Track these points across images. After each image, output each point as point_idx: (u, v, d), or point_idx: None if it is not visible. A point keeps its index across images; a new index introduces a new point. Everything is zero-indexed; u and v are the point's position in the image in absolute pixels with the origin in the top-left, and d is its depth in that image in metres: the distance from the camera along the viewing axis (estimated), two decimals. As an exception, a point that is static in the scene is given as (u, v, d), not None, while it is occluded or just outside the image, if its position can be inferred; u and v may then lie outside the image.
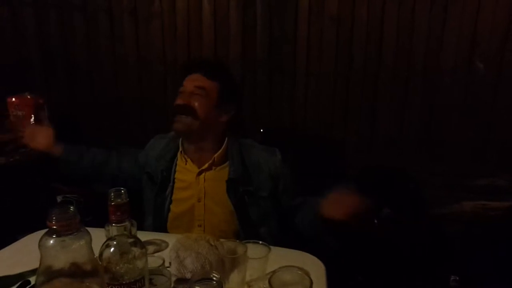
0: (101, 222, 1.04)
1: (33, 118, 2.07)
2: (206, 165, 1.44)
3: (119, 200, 0.76)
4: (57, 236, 0.66)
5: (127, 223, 0.77)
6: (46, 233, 0.67)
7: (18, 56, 2.38)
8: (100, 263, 0.78)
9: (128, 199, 0.77)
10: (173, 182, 1.47)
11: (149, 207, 1.51)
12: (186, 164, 1.47)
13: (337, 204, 1.21)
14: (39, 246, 0.67)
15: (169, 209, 1.46)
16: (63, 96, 2.39)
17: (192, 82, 1.45)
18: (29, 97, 2.10)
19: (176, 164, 1.48)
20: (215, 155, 1.45)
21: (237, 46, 2.17)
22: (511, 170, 2.06)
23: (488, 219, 2.02)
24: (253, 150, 1.50)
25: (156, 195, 1.48)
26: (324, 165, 2.18)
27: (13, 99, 2.10)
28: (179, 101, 1.43)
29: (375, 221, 1.97)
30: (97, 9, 2.25)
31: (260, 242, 1.05)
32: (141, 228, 1.47)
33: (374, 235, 1.97)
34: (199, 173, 1.45)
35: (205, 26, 2.18)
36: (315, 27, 2.10)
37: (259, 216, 1.45)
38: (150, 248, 1.19)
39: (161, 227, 1.46)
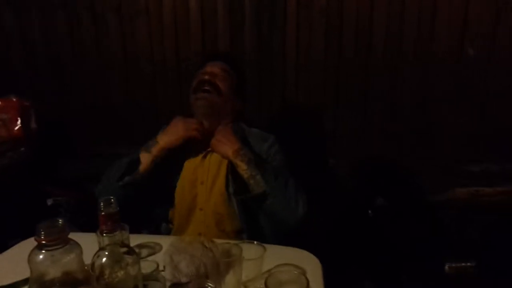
0: (95, 224, 1.02)
1: (19, 121, 2.04)
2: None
3: (109, 209, 0.75)
4: (47, 250, 0.65)
5: (118, 233, 0.75)
6: (35, 248, 0.66)
7: (1, 58, 2.32)
8: (92, 273, 0.76)
9: (118, 208, 0.76)
10: (182, 167, 1.51)
11: (158, 194, 1.52)
12: (194, 146, 1.52)
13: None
14: (29, 261, 0.66)
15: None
16: (49, 98, 2.35)
17: (216, 65, 1.57)
18: (14, 99, 2.07)
19: (186, 149, 1.52)
20: None
21: (226, 42, 2.15)
22: (504, 155, 2.08)
23: (482, 205, 2.03)
24: (251, 135, 1.57)
25: (169, 179, 1.50)
26: (317, 157, 2.18)
27: (-2, 102, 2.07)
28: (204, 77, 1.53)
29: (369, 211, 1.98)
30: (80, 7, 2.21)
31: (255, 242, 1.04)
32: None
33: (369, 226, 1.98)
34: (205, 155, 1.51)
35: (193, 22, 2.15)
36: (304, 20, 2.07)
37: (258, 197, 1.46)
38: (144, 252, 1.18)
39: (166, 213, 1.50)
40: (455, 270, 1.90)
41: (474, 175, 2.10)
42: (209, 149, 1.50)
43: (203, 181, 1.47)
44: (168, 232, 1.51)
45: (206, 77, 1.52)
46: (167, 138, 1.45)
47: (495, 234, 1.96)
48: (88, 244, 0.83)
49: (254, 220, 1.46)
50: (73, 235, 0.78)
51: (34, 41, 2.29)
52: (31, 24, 2.27)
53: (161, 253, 1.13)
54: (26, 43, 2.30)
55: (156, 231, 1.49)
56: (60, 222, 0.65)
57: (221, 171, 1.47)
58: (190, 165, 1.51)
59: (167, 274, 0.97)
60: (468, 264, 1.91)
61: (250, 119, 2.14)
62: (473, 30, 1.99)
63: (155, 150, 1.43)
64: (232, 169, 1.45)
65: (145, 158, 1.43)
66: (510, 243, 1.89)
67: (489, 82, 2.04)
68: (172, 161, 1.49)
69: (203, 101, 1.50)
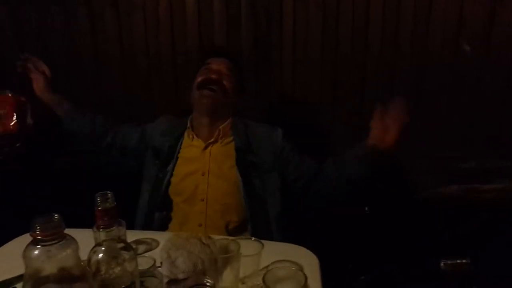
0: (91, 220, 1.01)
1: (15, 116, 2.02)
2: (213, 138, 1.55)
3: (106, 204, 0.74)
4: (42, 245, 0.64)
5: (115, 228, 0.74)
6: (30, 243, 0.65)
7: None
8: (89, 269, 0.75)
9: (115, 203, 0.75)
10: (176, 159, 1.54)
11: (148, 184, 1.57)
12: (192, 140, 1.56)
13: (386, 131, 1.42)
14: (24, 256, 0.64)
15: (168, 183, 1.51)
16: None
17: (222, 63, 1.61)
18: (10, 95, 2.04)
19: (181, 142, 1.57)
20: (221, 126, 1.57)
21: (222, 36, 2.13)
22: (498, 152, 2.08)
23: (476, 202, 2.03)
24: (256, 127, 1.62)
25: (158, 170, 1.54)
26: (313, 153, 2.17)
27: (-7, 97, 2.04)
28: (211, 76, 1.55)
29: (366, 208, 1.98)
30: (76, 2, 2.18)
31: (253, 238, 1.04)
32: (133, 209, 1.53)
33: (366, 223, 1.98)
34: (206, 147, 1.53)
35: (189, 16, 2.13)
36: (300, 15, 2.06)
37: (264, 190, 1.50)
38: (141, 248, 1.17)
39: (157, 203, 1.51)
40: (451, 266, 1.90)
41: (468, 172, 2.10)
42: (210, 141, 1.53)
43: (204, 172, 1.49)
44: (162, 222, 1.51)
45: (213, 76, 1.55)
46: None
47: (489, 231, 1.96)
48: (85, 240, 0.82)
49: (260, 208, 1.48)
50: (69, 231, 0.77)
51: (29, 36, 2.26)
52: (26, 19, 2.24)
53: (158, 249, 1.13)
54: (21, 38, 2.27)
55: (149, 222, 1.49)
56: (56, 217, 0.64)
57: (228, 161, 1.51)
58: (187, 158, 1.54)
59: (164, 270, 0.96)
60: (464, 261, 1.92)
61: (249, 114, 2.14)
62: (469, 27, 1.99)
63: None
64: (238, 158, 1.50)
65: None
66: (505, 239, 1.89)
67: (485, 80, 2.04)
68: (164, 153, 1.54)
69: (209, 99, 1.54)
